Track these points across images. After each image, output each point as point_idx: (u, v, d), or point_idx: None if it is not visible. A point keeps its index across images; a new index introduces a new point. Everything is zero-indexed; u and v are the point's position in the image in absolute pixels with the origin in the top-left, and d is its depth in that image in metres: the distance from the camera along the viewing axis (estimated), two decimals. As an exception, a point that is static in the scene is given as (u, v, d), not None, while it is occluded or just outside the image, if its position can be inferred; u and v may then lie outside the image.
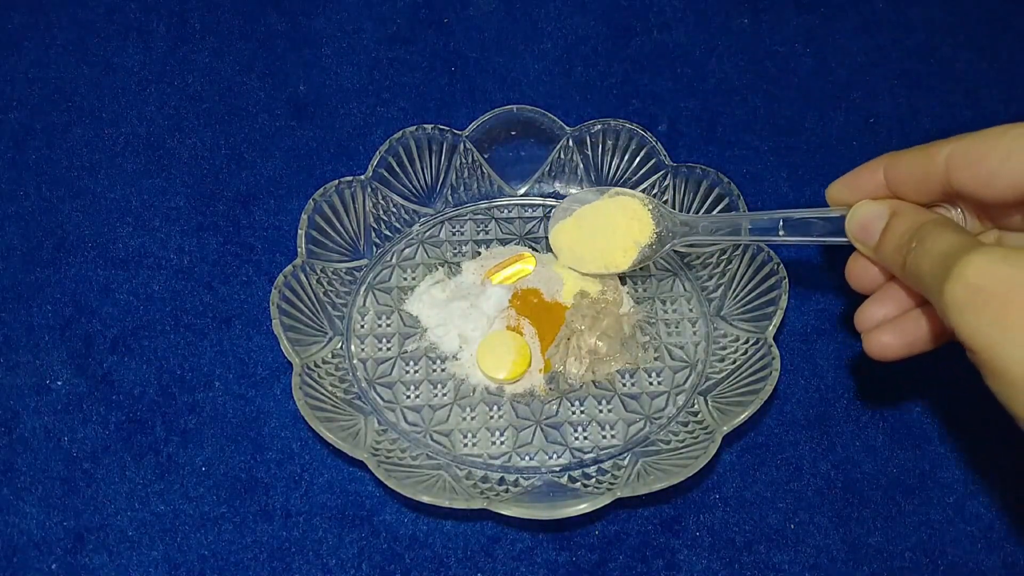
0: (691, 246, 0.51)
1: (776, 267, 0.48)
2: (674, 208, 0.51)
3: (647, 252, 0.48)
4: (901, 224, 0.37)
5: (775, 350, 0.45)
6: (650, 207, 0.48)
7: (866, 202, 0.39)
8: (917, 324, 0.39)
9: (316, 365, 0.46)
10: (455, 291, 0.50)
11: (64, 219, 0.54)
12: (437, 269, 0.52)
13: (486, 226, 0.54)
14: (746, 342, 0.47)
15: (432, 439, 0.46)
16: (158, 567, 0.44)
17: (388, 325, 0.50)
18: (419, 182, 0.53)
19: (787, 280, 0.47)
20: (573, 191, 0.54)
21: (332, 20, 0.62)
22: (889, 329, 0.39)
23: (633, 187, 0.52)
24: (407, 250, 0.52)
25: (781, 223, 0.43)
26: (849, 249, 0.40)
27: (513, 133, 0.53)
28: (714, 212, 0.50)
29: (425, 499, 0.41)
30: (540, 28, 0.63)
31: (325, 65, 0.60)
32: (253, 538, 0.44)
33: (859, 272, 0.41)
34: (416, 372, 0.48)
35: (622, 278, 0.51)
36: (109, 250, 0.53)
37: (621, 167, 0.53)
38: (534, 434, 0.46)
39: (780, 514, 0.46)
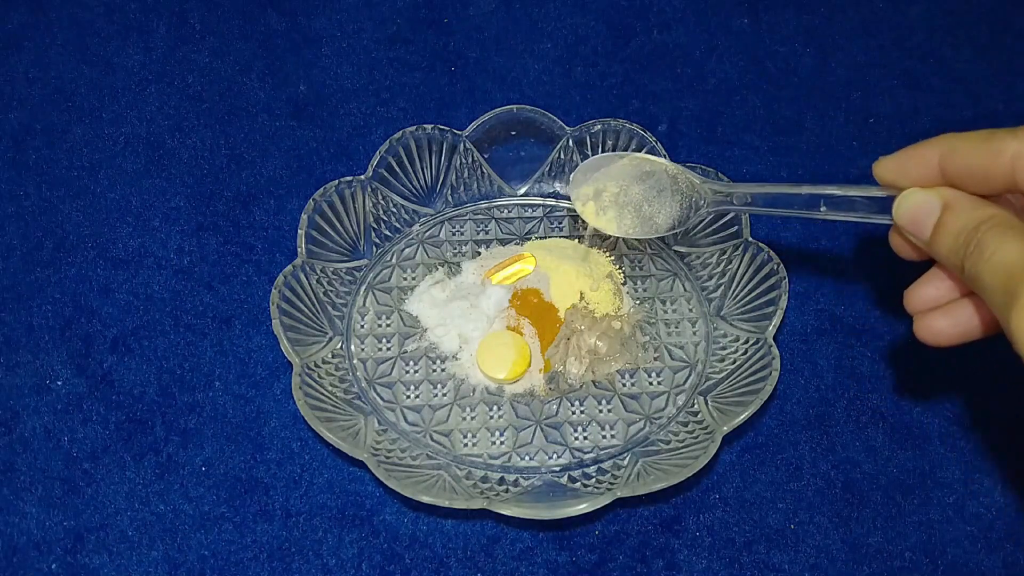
0: (688, 236, 0.51)
1: (776, 267, 0.48)
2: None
3: (683, 215, 0.45)
4: (955, 222, 0.33)
5: (775, 350, 0.45)
6: (677, 173, 0.45)
7: (915, 191, 0.35)
8: (973, 311, 0.36)
9: (316, 365, 0.46)
10: (455, 291, 0.50)
11: (64, 219, 0.54)
12: (437, 269, 0.52)
13: (486, 226, 0.54)
14: (746, 342, 0.47)
15: (432, 439, 0.46)
16: (158, 567, 0.44)
17: (388, 325, 0.50)
18: (419, 182, 0.53)
19: (787, 280, 0.47)
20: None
21: (332, 20, 0.62)
22: (942, 315, 0.36)
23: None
24: (407, 250, 0.52)
25: (823, 201, 0.39)
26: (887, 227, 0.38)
27: (513, 133, 0.53)
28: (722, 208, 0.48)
29: (425, 499, 0.41)
30: (540, 28, 0.63)
31: (325, 65, 0.60)
32: (253, 538, 0.44)
33: (903, 242, 0.37)
34: (416, 372, 0.48)
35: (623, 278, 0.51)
36: (109, 250, 0.53)
37: (621, 167, 0.53)
38: (534, 434, 0.46)
39: (780, 514, 0.46)
